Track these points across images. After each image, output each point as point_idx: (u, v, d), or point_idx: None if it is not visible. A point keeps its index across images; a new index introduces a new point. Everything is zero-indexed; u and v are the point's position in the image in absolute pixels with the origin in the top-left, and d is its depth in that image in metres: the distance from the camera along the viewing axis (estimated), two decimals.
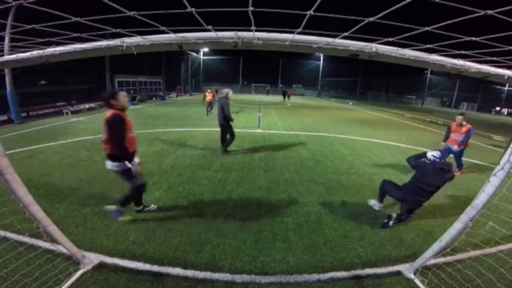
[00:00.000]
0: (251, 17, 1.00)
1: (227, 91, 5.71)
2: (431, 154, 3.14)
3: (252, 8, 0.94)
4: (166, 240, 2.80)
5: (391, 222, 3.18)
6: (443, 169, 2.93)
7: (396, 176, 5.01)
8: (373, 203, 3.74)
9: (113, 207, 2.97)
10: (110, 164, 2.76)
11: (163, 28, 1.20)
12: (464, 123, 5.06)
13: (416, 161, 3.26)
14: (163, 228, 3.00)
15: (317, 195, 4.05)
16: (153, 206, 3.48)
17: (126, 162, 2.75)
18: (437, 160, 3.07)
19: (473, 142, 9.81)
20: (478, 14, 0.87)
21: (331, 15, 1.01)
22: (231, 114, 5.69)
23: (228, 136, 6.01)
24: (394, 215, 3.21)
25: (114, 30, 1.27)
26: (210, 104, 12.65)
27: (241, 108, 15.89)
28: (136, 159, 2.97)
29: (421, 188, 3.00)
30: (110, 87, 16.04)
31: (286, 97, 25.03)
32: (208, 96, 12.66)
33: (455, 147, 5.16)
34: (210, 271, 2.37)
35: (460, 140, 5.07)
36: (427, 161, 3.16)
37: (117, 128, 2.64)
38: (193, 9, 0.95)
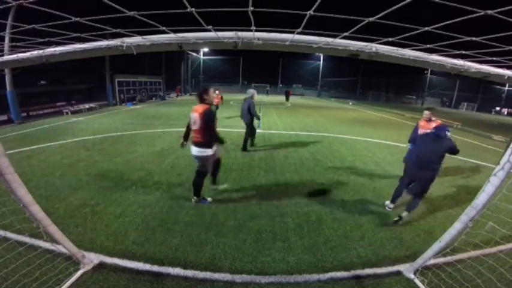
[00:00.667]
0: (251, 17, 1.00)
1: (253, 92, 6.10)
2: None
3: (252, 8, 0.94)
4: (166, 240, 2.80)
5: (404, 214, 3.30)
6: (439, 136, 3.20)
7: (396, 176, 5.00)
8: (387, 203, 3.83)
9: (194, 199, 3.61)
10: (196, 150, 3.27)
11: (163, 28, 1.20)
12: (433, 118, 4.52)
13: (412, 135, 3.96)
14: (163, 228, 3.00)
15: (317, 195, 4.05)
16: (209, 199, 3.70)
17: (210, 149, 3.26)
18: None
19: (473, 142, 9.82)
20: (478, 14, 0.87)
21: (331, 15, 1.01)
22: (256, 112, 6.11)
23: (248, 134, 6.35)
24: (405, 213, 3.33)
25: (114, 30, 1.27)
26: (217, 107, 11.10)
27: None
28: (214, 148, 3.38)
29: (422, 159, 3.22)
30: (110, 87, 16.05)
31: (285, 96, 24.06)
32: (216, 99, 11.12)
33: None
34: (210, 271, 2.37)
35: None
36: None
37: (211, 120, 3.16)
38: (193, 9, 0.95)
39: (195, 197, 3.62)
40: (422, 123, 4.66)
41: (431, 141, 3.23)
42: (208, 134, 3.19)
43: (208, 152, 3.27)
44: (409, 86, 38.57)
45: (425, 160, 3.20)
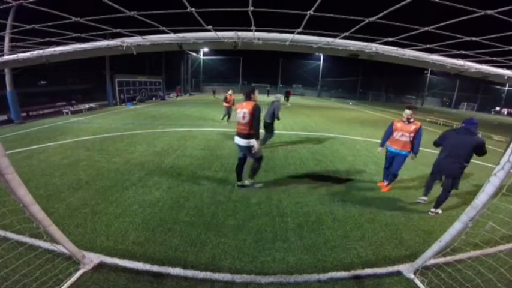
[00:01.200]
0: (251, 17, 1.00)
1: (280, 96, 6.88)
2: None
3: (252, 8, 0.94)
4: (166, 240, 2.80)
5: (438, 210, 3.63)
6: (468, 130, 3.31)
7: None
8: (422, 198, 3.94)
9: (247, 181, 4.14)
10: (242, 141, 3.72)
11: (163, 28, 1.20)
12: (412, 119, 3.97)
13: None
14: (163, 228, 3.00)
15: (317, 195, 4.05)
16: (259, 184, 4.24)
17: (254, 140, 3.67)
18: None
19: None
20: (478, 14, 0.87)
21: (331, 15, 1.01)
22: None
23: (267, 134, 6.66)
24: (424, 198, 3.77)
25: (114, 30, 1.27)
26: (228, 109, 10.32)
27: None
28: (257, 140, 3.75)
29: (451, 152, 3.38)
30: (109, 87, 16.05)
31: (284, 97, 22.91)
32: (228, 102, 10.12)
33: (398, 150, 4.04)
34: (210, 271, 2.37)
35: (406, 140, 3.97)
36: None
37: (258, 116, 3.62)
38: (193, 9, 0.95)
39: (249, 180, 4.17)
40: (399, 124, 4.04)
41: (462, 136, 3.35)
42: (254, 126, 3.62)
43: (253, 142, 3.69)
44: (409, 86, 38.55)
45: (454, 155, 3.35)
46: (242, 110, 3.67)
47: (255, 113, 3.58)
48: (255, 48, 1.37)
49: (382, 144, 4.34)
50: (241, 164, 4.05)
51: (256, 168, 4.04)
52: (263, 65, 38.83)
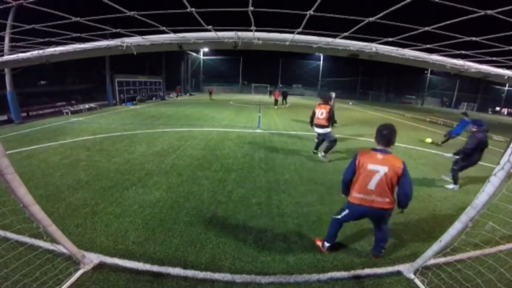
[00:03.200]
0: (251, 17, 1.00)
1: (332, 95, 7.48)
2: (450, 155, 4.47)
3: (252, 8, 0.94)
4: (166, 240, 2.80)
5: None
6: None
7: None
8: (451, 186, 4.61)
9: (320, 154, 6.00)
10: (322, 130, 5.68)
11: (163, 28, 1.20)
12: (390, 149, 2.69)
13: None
14: (163, 228, 3.00)
15: (317, 195, 4.04)
16: (327, 158, 5.91)
17: (329, 129, 5.68)
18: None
19: None
20: (478, 14, 0.87)
21: (331, 15, 1.01)
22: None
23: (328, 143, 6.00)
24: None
25: (114, 30, 1.27)
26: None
27: (241, 108, 15.88)
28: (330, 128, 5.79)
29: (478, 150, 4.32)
30: (109, 87, 16.05)
31: (282, 98, 19.57)
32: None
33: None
34: (210, 271, 2.37)
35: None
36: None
37: (333, 115, 5.65)
38: (193, 9, 0.95)
39: (323, 153, 5.93)
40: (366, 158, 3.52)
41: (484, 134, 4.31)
42: (329, 120, 5.57)
43: (328, 130, 5.65)
44: (409, 86, 38.52)
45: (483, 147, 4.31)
46: (321, 110, 5.60)
47: (330, 112, 5.54)
48: (255, 48, 1.37)
49: (346, 193, 2.58)
50: (319, 143, 6.06)
51: (330, 147, 5.79)
52: (263, 65, 38.80)
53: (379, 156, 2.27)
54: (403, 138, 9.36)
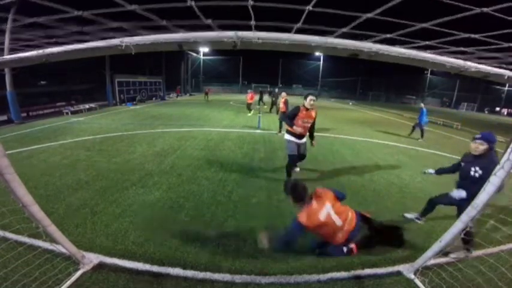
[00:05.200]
0: (251, 11, 1.00)
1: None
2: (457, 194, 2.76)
3: (251, 2, 0.94)
4: (166, 240, 2.79)
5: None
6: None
7: (396, 176, 5.01)
8: (412, 216, 3.44)
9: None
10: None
11: (164, 22, 1.20)
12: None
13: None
14: (163, 229, 2.99)
15: None
16: None
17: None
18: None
19: None
20: (474, 12, 0.87)
21: (330, 10, 1.00)
22: None
23: None
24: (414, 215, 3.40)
25: (116, 25, 1.27)
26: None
27: (242, 109, 15.87)
28: None
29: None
30: (110, 87, 16.05)
31: (259, 99, 16.51)
32: (283, 105, 8.54)
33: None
34: (210, 271, 2.36)
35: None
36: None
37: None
38: (192, 2, 0.95)
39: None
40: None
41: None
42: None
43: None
44: (409, 86, 38.52)
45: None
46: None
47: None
48: (255, 48, 1.37)
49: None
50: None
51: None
52: (263, 65, 38.84)
53: (314, 206, 2.43)
54: (402, 138, 9.35)
